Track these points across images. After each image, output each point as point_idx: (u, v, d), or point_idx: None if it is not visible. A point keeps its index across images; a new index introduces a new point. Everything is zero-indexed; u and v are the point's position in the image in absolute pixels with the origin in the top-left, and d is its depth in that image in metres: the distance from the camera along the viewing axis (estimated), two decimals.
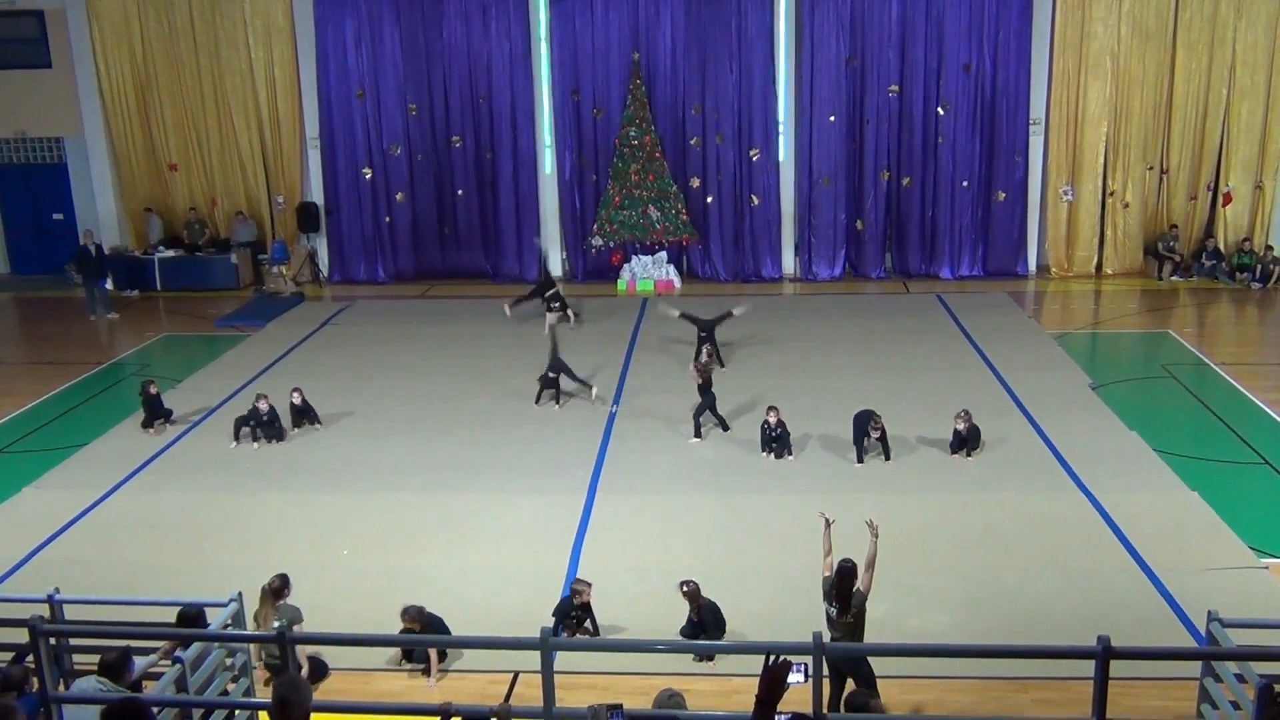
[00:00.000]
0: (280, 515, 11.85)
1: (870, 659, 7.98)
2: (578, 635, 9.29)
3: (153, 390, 14.32)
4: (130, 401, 15.08)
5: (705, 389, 13.81)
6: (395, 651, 9.20)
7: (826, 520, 8.37)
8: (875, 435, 12.80)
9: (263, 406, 13.82)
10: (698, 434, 13.68)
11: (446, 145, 21.91)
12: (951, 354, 16.74)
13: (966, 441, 12.86)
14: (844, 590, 7.91)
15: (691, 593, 9.18)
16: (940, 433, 13.40)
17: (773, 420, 12.98)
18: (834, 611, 7.98)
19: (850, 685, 7.85)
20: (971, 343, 17.24)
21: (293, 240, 22.46)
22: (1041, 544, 10.84)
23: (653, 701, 6.38)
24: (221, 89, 22.04)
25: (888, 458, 12.87)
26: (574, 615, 9.31)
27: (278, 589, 8.76)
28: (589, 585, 9.36)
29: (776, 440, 13.01)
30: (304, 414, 14.17)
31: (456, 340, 18.21)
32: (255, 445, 13.76)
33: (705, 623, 9.18)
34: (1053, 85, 20.87)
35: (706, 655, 8.99)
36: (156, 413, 14.31)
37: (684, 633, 9.24)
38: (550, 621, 9.21)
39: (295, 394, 14.20)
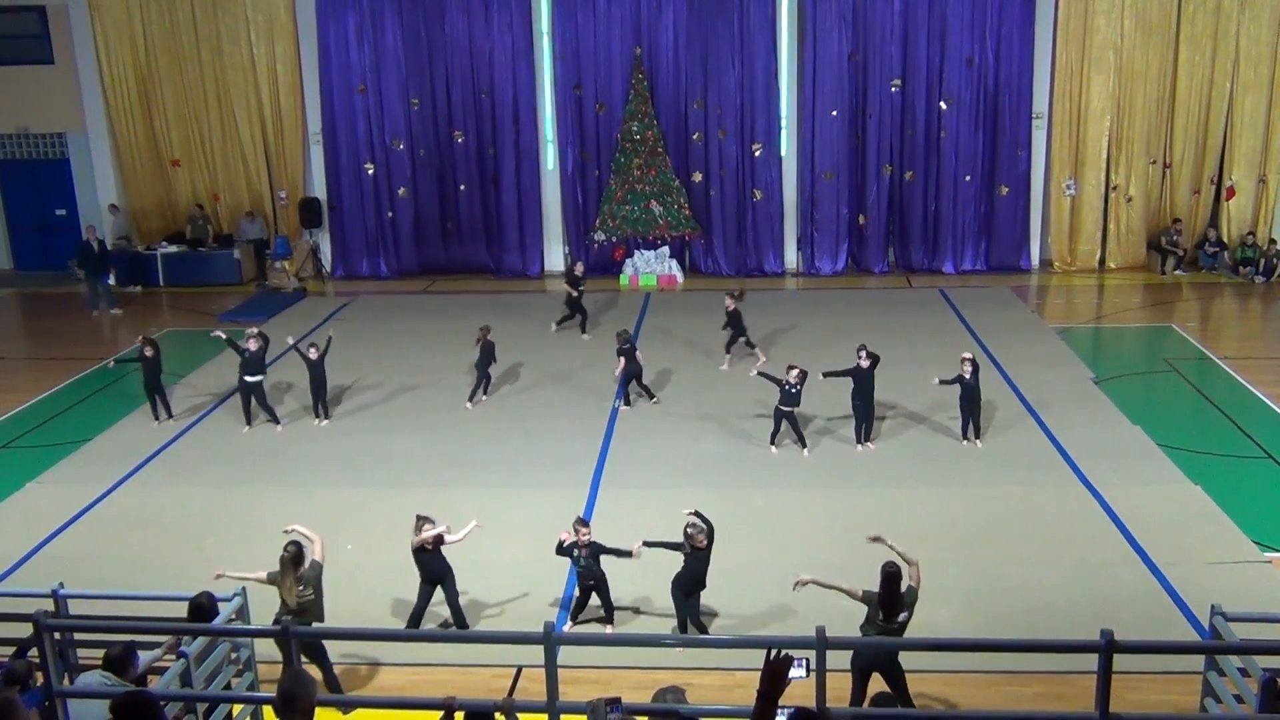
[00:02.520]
0: (283, 510, 11.82)
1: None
2: (588, 602, 9.43)
3: (148, 353, 14.21)
4: (134, 398, 15.13)
5: (630, 355, 14.46)
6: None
7: (810, 582, 8.18)
8: (866, 362, 12.89)
9: (252, 346, 13.93)
10: (628, 402, 14.60)
11: (449, 140, 21.90)
12: (954, 348, 16.65)
13: (971, 396, 12.85)
14: (892, 595, 7.76)
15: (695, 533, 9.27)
16: (941, 428, 13.43)
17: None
18: (880, 616, 7.79)
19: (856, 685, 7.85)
20: (974, 337, 17.23)
21: (295, 236, 22.47)
22: (1044, 538, 10.85)
23: (651, 698, 6.38)
24: (223, 84, 22.06)
25: (869, 426, 13.19)
26: (580, 560, 9.33)
27: (295, 556, 8.41)
28: (586, 527, 9.46)
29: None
30: (319, 368, 14.21)
31: (459, 335, 18.18)
32: (259, 429, 13.95)
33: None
34: (1055, 79, 20.83)
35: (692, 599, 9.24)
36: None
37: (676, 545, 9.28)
38: (552, 617, 9.23)
39: (312, 349, 14.23)
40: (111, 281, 21.08)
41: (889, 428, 13.65)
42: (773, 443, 13.10)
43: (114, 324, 19.73)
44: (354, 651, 9.13)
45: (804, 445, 13.02)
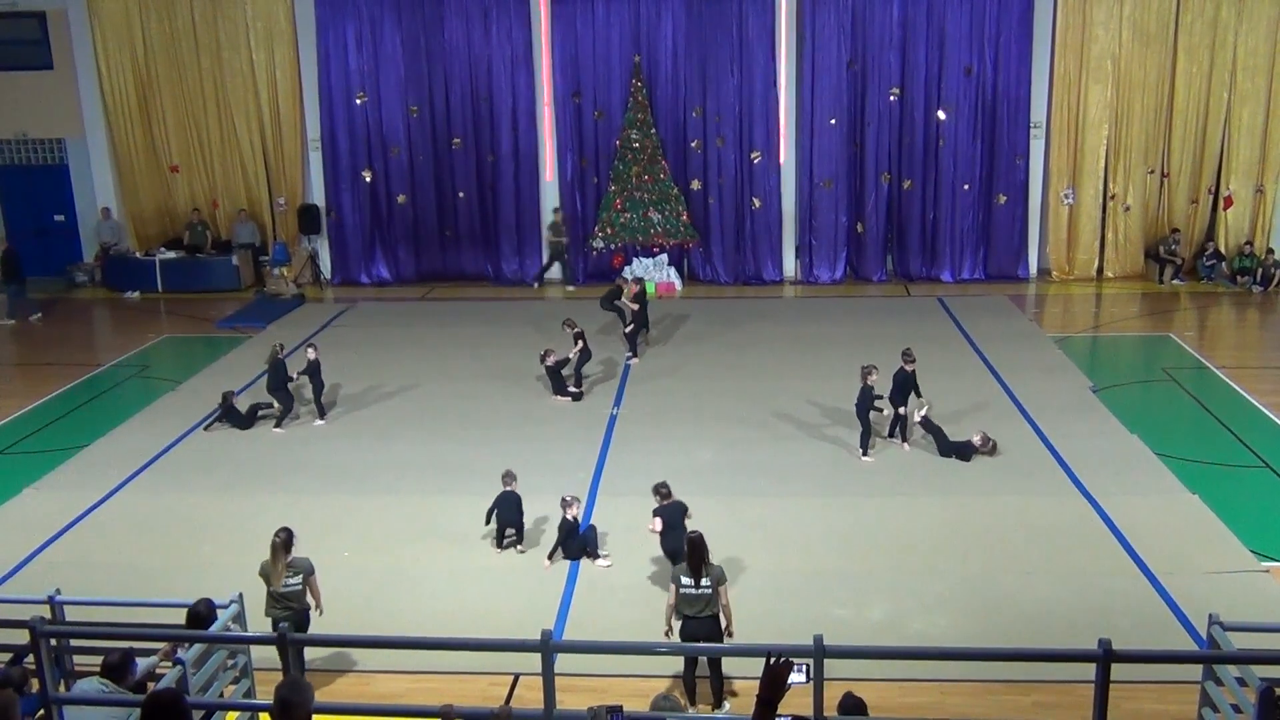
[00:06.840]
0: (281, 516, 11.75)
1: (871, 661, 7.98)
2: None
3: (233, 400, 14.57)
4: (131, 403, 15.15)
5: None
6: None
7: None
8: (910, 367, 13.13)
9: (311, 355, 14.52)
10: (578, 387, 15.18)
11: (447, 147, 21.91)
12: (952, 357, 16.74)
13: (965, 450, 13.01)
14: (699, 559, 8.22)
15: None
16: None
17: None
18: (691, 582, 8.21)
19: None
20: (972, 346, 17.25)
21: (294, 242, 22.46)
22: (1042, 547, 10.84)
23: (650, 704, 6.39)
24: (223, 91, 22.07)
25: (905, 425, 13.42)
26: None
27: (286, 542, 8.62)
28: (576, 500, 10.05)
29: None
30: (315, 376, 14.49)
31: (457, 342, 18.22)
32: (261, 433, 14.04)
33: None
34: (1054, 89, 20.88)
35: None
36: (233, 419, 14.39)
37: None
38: (549, 624, 9.20)
39: (310, 350, 14.57)
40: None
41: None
42: (866, 452, 13.14)
43: (116, 328, 19.78)
44: (351, 657, 9.12)
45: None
